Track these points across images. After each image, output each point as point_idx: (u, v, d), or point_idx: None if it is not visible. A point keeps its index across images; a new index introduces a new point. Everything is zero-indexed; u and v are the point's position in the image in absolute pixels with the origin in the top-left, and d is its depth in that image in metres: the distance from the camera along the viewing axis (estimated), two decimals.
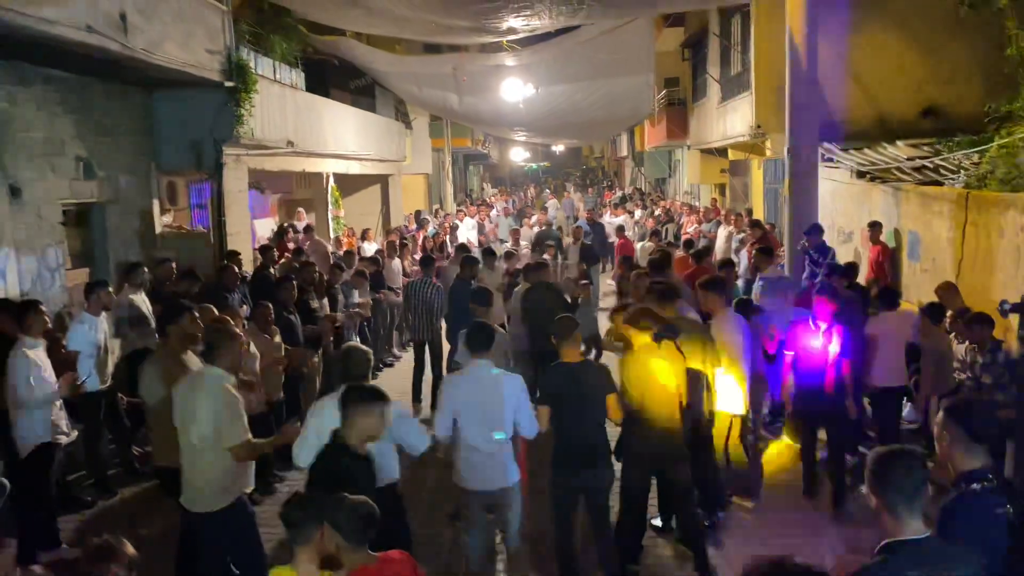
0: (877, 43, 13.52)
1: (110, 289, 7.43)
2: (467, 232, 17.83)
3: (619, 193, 34.31)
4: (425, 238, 15.50)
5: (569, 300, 8.86)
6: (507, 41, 14.38)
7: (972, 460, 2.96)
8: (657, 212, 22.69)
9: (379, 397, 3.89)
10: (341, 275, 10.25)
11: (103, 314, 7.24)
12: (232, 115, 10.42)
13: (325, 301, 9.32)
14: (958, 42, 12.99)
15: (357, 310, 9.97)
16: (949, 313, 7.17)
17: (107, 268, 9.43)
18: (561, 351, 5.03)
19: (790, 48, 10.35)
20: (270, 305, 7.39)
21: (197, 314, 5.77)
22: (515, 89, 15.81)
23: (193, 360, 5.36)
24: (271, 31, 12.19)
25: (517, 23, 7.71)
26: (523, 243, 14.66)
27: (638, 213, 25.21)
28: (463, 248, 11.47)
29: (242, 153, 11.32)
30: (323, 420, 4.23)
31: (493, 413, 4.67)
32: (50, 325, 6.32)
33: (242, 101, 10.46)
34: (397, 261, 12.42)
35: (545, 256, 11.62)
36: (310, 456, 4.02)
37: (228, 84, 10.26)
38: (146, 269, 8.52)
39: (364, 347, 4.84)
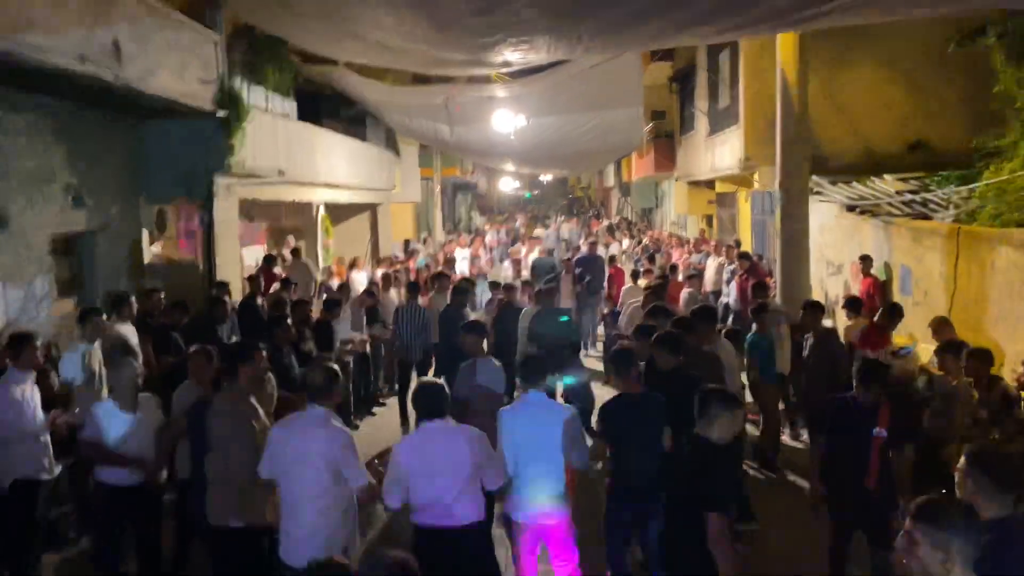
0: (864, 78, 13.71)
1: (104, 317, 7.32)
2: (459, 264, 17.75)
3: (606, 223, 34.45)
4: (418, 270, 15.38)
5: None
6: (498, 73, 14.44)
7: (997, 508, 2.91)
8: (645, 242, 22.78)
9: (738, 403, 4.32)
10: (337, 312, 9.40)
11: (97, 342, 7.12)
12: (224, 144, 10.39)
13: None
14: (944, 78, 13.19)
15: (351, 347, 9.66)
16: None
17: (94, 298, 9.30)
18: (620, 383, 5.14)
19: (781, 83, 10.45)
20: (262, 350, 6.89)
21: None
22: (506, 120, 15.82)
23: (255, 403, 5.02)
24: (264, 61, 12.18)
25: (514, 56, 7.73)
26: (524, 273, 14.67)
27: (625, 243, 25.31)
28: (442, 276, 11.33)
29: (233, 182, 11.27)
30: (403, 462, 4.29)
31: (550, 445, 4.63)
32: (40, 358, 6.18)
33: (234, 131, 10.43)
34: (393, 292, 11.77)
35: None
36: (399, 500, 4.26)
37: (221, 114, 10.24)
38: (134, 299, 8.39)
39: (438, 381, 4.68)
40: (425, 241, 23.07)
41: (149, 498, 5.52)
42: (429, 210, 28.61)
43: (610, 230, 28.10)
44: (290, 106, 13.57)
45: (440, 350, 9.22)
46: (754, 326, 8.12)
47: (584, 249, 15.69)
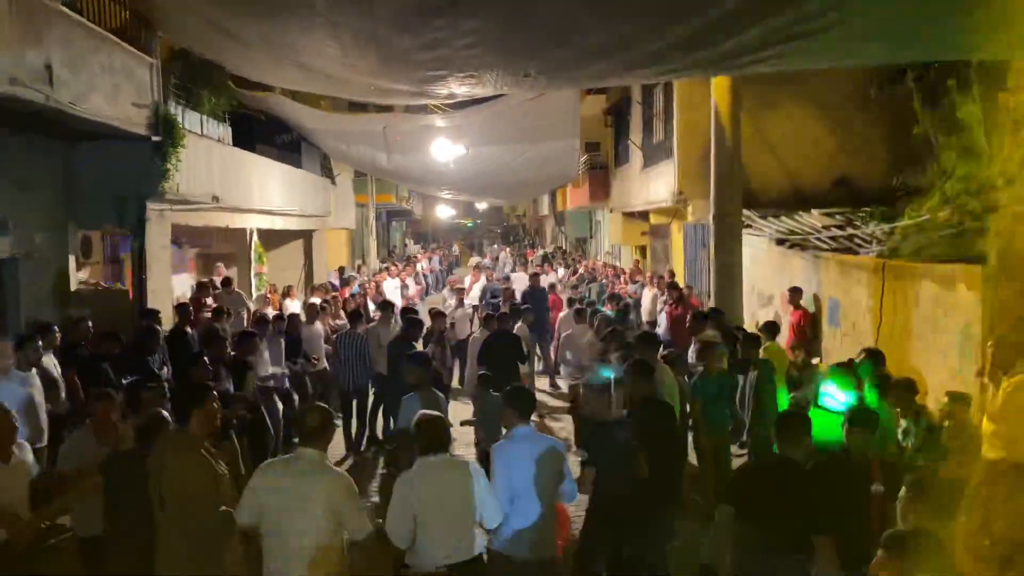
0: (792, 117, 14.26)
1: (40, 344, 7.07)
2: (390, 293, 17.61)
3: (541, 251, 34.74)
4: (347, 298, 15.23)
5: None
6: (437, 104, 14.53)
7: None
8: (580, 271, 23.05)
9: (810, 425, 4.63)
10: (256, 345, 8.80)
11: (33, 371, 6.87)
12: (158, 170, 10.15)
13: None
14: (867, 118, 13.83)
15: (271, 383, 9.13)
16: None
17: (18, 327, 8.91)
18: (598, 413, 5.29)
19: (715, 121, 10.79)
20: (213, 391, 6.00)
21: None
22: (445, 149, 15.95)
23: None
24: (200, 85, 12.00)
25: (460, 89, 7.82)
26: (467, 302, 14.69)
27: (561, 271, 25.56)
28: (387, 305, 11.23)
29: (166, 208, 11.00)
30: (410, 499, 4.21)
31: (542, 479, 4.62)
32: None
33: (169, 156, 10.20)
34: (318, 325, 11.09)
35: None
36: (408, 539, 4.17)
37: (155, 138, 10.01)
38: (57, 329, 8.04)
39: (435, 414, 4.56)
40: (359, 268, 22.87)
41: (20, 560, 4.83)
42: (364, 237, 28.43)
43: (545, 259, 28.37)
44: (225, 131, 13.37)
45: (389, 381, 9.04)
46: (694, 364, 8.25)
47: (526, 281, 15.68)
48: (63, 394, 7.63)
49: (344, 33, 6.01)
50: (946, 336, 7.95)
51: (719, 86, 10.73)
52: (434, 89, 7.86)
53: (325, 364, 10.74)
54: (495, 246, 42.81)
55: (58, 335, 7.98)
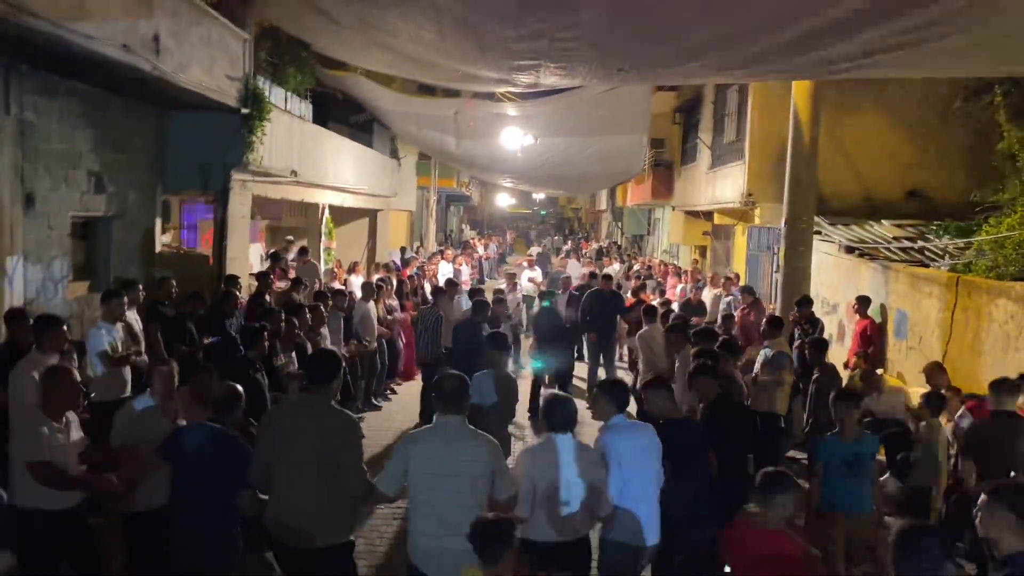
0: (869, 124, 14.08)
1: (125, 300, 7.44)
2: (443, 277, 17.77)
3: (595, 245, 34.70)
4: (410, 277, 15.47)
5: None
6: (506, 93, 14.64)
7: (1017, 542, 3.10)
8: (636, 267, 23.03)
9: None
10: (321, 317, 8.94)
11: (118, 324, 7.24)
12: (243, 141, 10.52)
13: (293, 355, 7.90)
14: (947, 130, 13.59)
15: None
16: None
17: (107, 282, 9.35)
18: (666, 411, 5.23)
19: (794, 122, 10.74)
20: (210, 371, 5.46)
21: None
22: (514, 138, 16.10)
23: None
24: (287, 62, 12.35)
25: (547, 80, 7.93)
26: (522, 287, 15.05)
27: (616, 267, 25.54)
28: (452, 284, 11.48)
29: (248, 179, 11.38)
30: (534, 474, 4.33)
31: (647, 465, 4.68)
32: (64, 341, 6.22)
33: (255, 128, 10.56)
34: (372, 305, 10.69)
35: None
36: (529, 511, 4.26)
37: (244, 111, 10.37)
38: (141, 286, 8.43)
39: (565, 395, 4.71)
40: (418, 250, 23.22)
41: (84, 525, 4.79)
42: (423, 219, 28.79)
43: (599, 253, 28.37)
44: (306, 108, 13.73)
45: (456, 360, 9.21)
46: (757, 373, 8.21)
47: (580, 270, 15.49)
48: (143, 347, 7.92)
49: (445, 19, 6.18)
50: (1018, 355, 7.87)
51: (799, 88, 10.66)
52: (521, 77, 7.99)
53: (375, 345, 10.74)
54: (555, 237, 43.00)
55: (142, 292, 8.36)
